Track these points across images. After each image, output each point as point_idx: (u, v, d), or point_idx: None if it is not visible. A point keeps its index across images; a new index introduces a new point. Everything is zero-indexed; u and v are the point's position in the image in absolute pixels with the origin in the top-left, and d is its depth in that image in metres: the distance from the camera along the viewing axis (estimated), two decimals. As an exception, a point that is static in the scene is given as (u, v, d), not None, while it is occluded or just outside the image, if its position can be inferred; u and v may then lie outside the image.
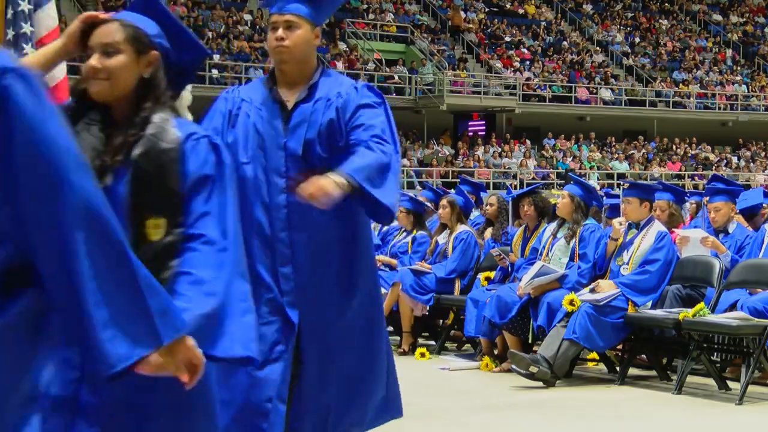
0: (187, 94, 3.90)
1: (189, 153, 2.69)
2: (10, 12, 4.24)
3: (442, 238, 9.60)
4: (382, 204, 3.82)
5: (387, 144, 3.93)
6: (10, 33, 4.24)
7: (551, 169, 32.63)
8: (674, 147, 36.54)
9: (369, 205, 3.85)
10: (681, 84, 38.40)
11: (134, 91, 2.76)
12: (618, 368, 8.03)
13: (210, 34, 31.22)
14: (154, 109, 2.74)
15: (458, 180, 13.27)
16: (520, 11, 39.66)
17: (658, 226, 8.02)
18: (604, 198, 10.77)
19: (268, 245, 4.01)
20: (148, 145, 2.67)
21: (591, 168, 33.41)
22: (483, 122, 35.39)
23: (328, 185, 3.72)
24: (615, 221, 8.16)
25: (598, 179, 31.72)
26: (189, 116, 3.86)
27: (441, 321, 9.86)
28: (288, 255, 4.02)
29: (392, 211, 3.91)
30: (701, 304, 7.41)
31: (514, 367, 7.66)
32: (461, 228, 9.48)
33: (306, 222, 3.98)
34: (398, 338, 9.58)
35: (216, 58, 30.10)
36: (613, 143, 35.59)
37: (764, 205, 9.56)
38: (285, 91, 4.10)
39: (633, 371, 8.12)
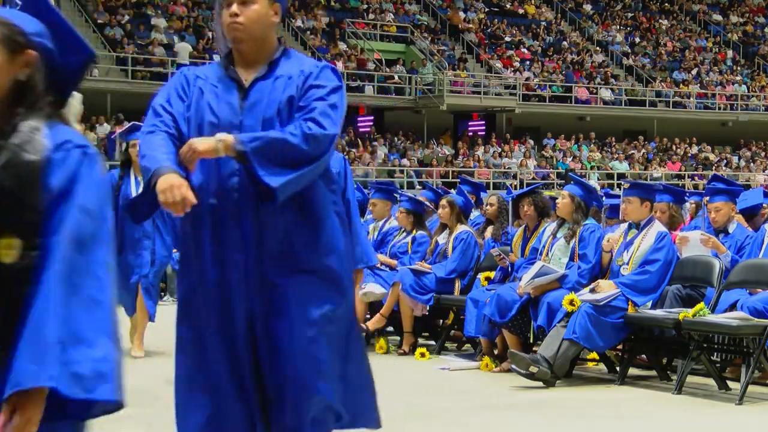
0: (76, 102, 3.76)
1: (56, 165, 2.38)
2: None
3: (442, 238, 9.60)
4: (263, 182, 3.61)
5: (316, 128, 3.69)
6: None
7: (551, 169, 32.63)
8: (674, 147, 36.55)
9: (255, 180, 3.65)
10: (681, 84, 38.40)
11: (7, 95, 2.46)
12: (618, 368, 8.03)
13: (210, 34, 31.23)
14: (27, 116, 2.43)
15: (458, 180, 13.26)
16: (520, 11, 39.67)
17: (658, 227, 8.02)
18: (604, 198, 10.77)
19: (217, 229, 3.78)
20: (9, 156, 2.37)
21: (592, 168, 33.42)
22: (483, 122, 35.40)
23: (198, 142, 3.65)
24: (605, 240, 8.06)
25: (598, 179, 31.71)
26: (77, 126, 3.77)
27: (441, 321, 9.85)
28: (237, 239, 3.77)
29: (275, 193, 3.62)
30: (701, 304, 7.40)
31: (514, 367, 7.65)
32: (461, 228, 9.47)
33: (257, 205, 3.75)
34: (398, 338, 9.59)
35: (216, 58, 30.04)
36: (613, 143, 35.60)
37: (764, 205, 9.56)
38: (242, 71, 3.88)
39: (633, 371, 8.11)
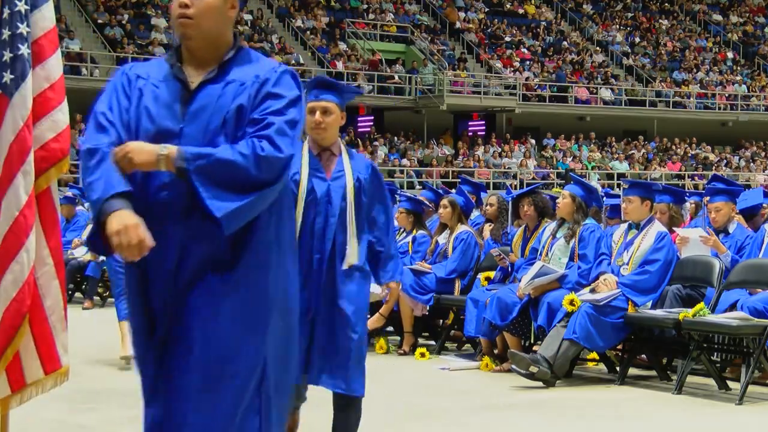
0: None
1: None
2: (6, 12, 4.21)
3: (442, 238, 9.59)
4: (206, 207, 3.18)
5: (269, 150, 3.23)
6: (6, 33, 4.21)
7: (551, 169, 32.63)
8: (674, 147, 36.54)
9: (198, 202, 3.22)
10: (681, 84, 38.40)
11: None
12: (618, 368, 8.03)
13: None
14: None
15: (458, 180, 13.26)
16: (520, 11, 39.67)
17: (658, 226, 8.01)
18: (604, 198, 10.76)
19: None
20: None
21: (592, 168, 33.41)
22: (483, 122, 35.40)
23: (136, 152, 3.23)
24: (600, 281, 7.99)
25: (598, 179, 31.71)
26: None
27: (441, 321, 9.85)
28: (157, 265, 3.37)
29: (220, 224, 3.19)
30: (701, 304, 7.40)
31: (514, 367, 7.65)
32: (461, 228, 9.47)
33: (184, 230, 3.33)
34: (398, 338, 9.58)
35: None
36: (613, 143, 35.60)
37: (764, 205, 9.55)
38: (191, 71, 3.42)
39: (633, 371, 8.11)
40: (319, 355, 4.79)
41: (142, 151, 3.24)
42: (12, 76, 4.20)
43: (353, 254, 4.86)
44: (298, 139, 3.37)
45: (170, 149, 3.22)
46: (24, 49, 4.22)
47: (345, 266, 4.84)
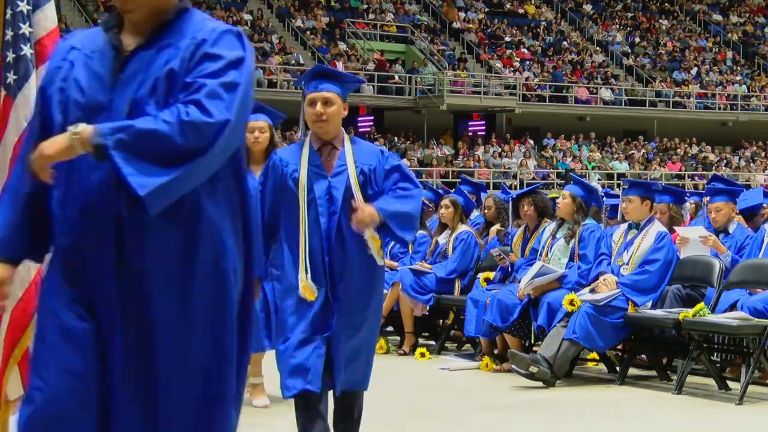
0: None
1: None
2: (8, 12, 4.23)
3: (442, 238, 9.60)
4: (128, 184, 2.79)
5: (196, 114, 2.84)
6: (9, 34, 4.22)
7: (551, 169, 32.63)
8: (674, 147, 36.55)
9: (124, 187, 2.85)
10: (681, 84, 38.40)
11: None
12: (618, 368, 8.03)
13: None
14: None
15: (458, 180, 13.26)
16: (520, 11, 39.67)
17: (658, 226, 8.02)
18: (604, 198, 10.77)
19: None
20: None
21: (592, 168, 33.42)
22: (483, 122, 35.39)
23: (47, 144, 2.89)
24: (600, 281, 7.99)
25: (598, 179, 31.72)
26: None
27: (441, 321, 9.85)
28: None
29: (143, 203, 2.80)
30: (701, 304, 7.40)
31: (514, 367, 7.66)
32: (462, 228, 9.47)
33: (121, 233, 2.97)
34: (398, 338, 9.59)
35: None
36: (613, 143, 35.60)
37: (764, 205, 9.56)
38: (129, 38, 3.04)
39: (633, 371, 8.12)
40: (337, 366, 4.69)
41: (53, 141, 2.89)
42: (15, 77, 4.21)
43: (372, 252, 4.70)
44: (247, 103, 2.96)
45: (83, 128, 2.85)
46: (27, 50, 4.23)
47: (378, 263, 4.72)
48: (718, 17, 43.44)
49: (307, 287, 4.66)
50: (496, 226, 9.89)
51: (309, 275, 4.66)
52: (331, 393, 4.82)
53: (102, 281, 2.94)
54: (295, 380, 4.66)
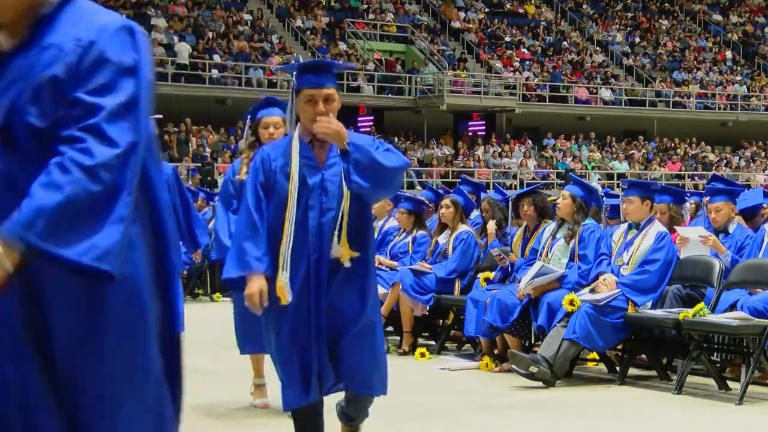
0: None
1: None
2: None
3: (442, 238, 9.60)
4: (72, 261, 2.46)
5: (100, 151, 2.48)
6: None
7: (551, 169, 32.64)
8: (674, 147, 36.56)
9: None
10: (681, 84, 38.42)
11: None
12: (618, 368, 8.03)
13: (210, 34, 31.24)
14: None
15: (458, 180, 13.26)
16: (520, 11, 39.69)
17: (658, 226, 8.02)
18: (604, 198, 10.77)
19: None
20: None
21: (592, 168, 33.43)
22: (483, 122, 35.42)
23: None
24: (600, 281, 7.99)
25: (598, 179, 31.72)
26: None
27: (441, 321, 9.86)
28: None
29: (104, 273, 2.48)
30: (701, 304, 7.40)
31: (514, 367, 7.66)
32: (462, 228, 9.47)
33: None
34: (398, 338, 9.59)
35: (216, 58, 30.12)
36: (613, 143, 35.62)
37: (764, 205, 9.55)
38: (4, 38, 2.63)
39: (633, 371, 8.12)
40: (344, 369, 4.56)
41: None
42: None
43: (337, 247, 4.48)
44: (148, 112, 2.62)
45: None
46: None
47: (345, 265, 4.48)
48: (718, 17, 43.46)
49: (283, 287, 4.45)
50: (491, 223, 9.86)
51: (287, 273, 4.45)
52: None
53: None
54: (291, 393, 4.56)
